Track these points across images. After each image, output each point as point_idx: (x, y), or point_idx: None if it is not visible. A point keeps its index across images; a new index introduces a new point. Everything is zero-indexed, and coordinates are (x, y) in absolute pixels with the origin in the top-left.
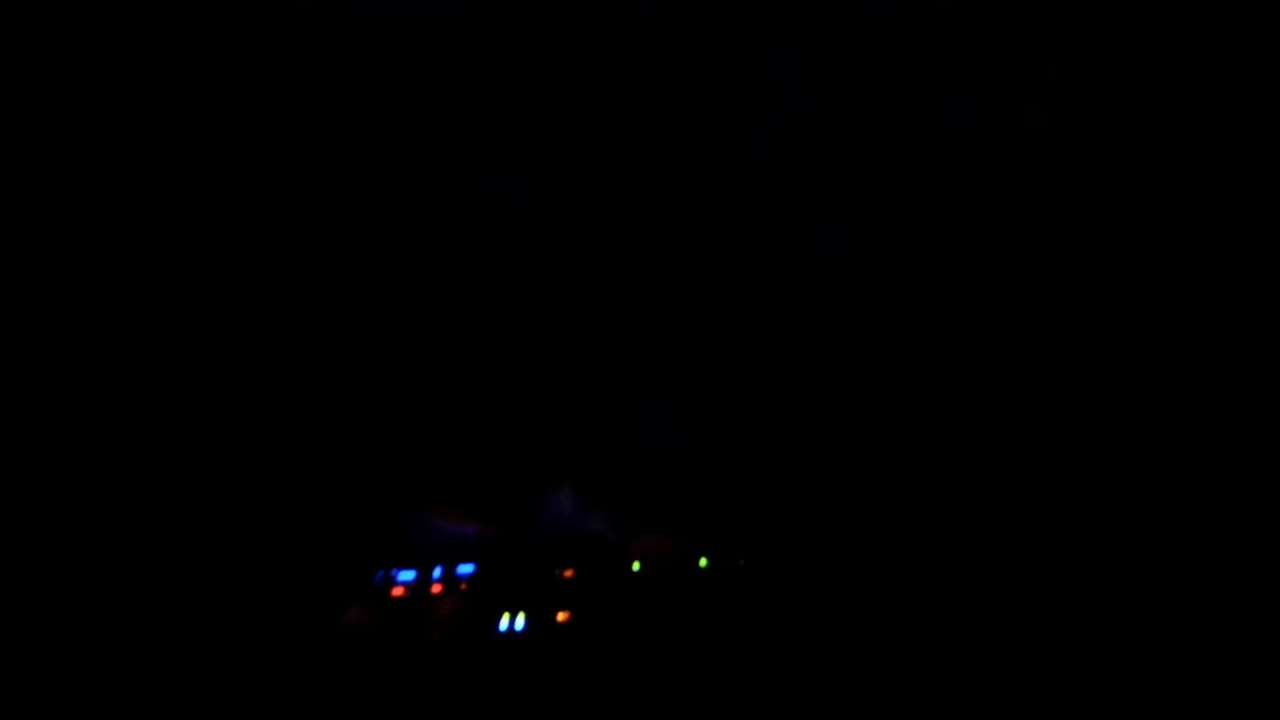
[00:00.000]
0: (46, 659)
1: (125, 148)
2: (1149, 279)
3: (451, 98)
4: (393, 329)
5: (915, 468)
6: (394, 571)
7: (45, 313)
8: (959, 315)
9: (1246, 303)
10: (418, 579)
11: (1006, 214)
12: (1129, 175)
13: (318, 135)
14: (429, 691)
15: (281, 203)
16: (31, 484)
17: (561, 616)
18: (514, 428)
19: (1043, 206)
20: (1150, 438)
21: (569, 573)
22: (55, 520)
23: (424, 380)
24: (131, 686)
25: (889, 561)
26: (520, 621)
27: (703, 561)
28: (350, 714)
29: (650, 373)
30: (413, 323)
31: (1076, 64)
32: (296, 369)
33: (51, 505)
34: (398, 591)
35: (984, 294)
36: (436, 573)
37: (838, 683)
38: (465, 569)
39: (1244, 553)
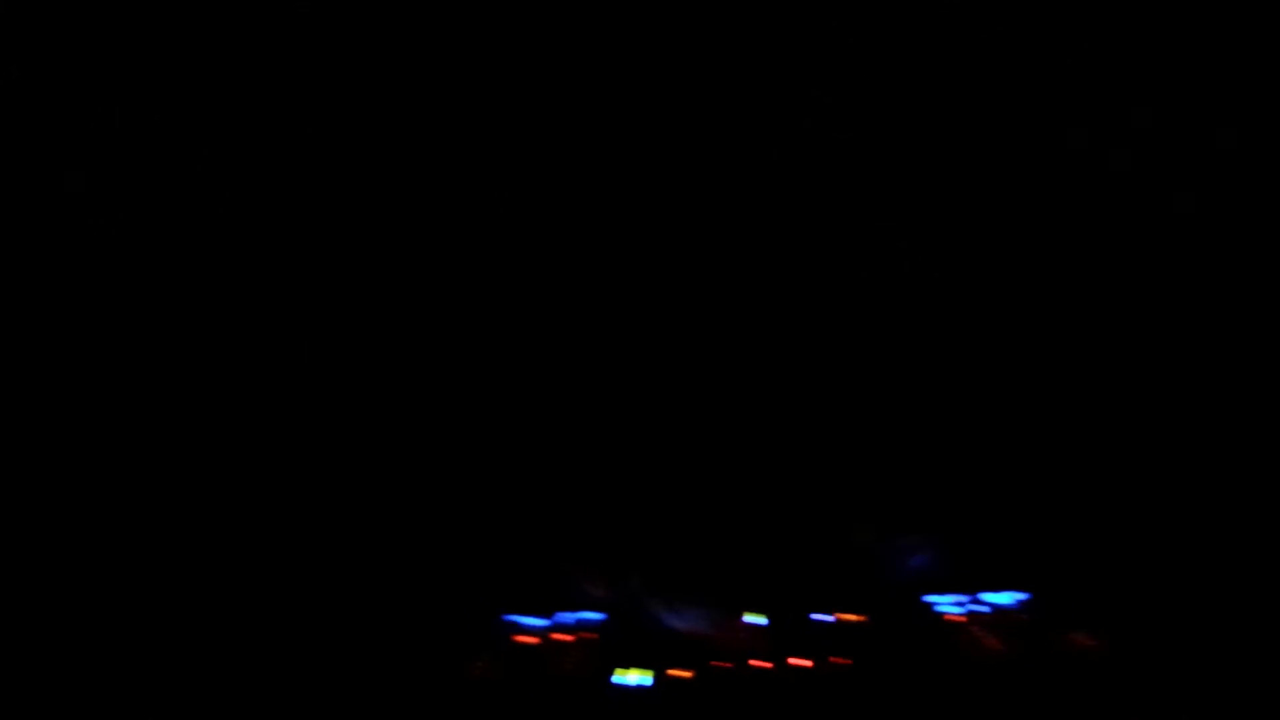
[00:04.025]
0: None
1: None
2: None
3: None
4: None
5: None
6: (520, 617)
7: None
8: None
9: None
10: (545, 626)
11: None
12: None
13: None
14: None
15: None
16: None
17: (682, 674)
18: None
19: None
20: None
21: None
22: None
23: (568, 437)
24: None
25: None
26: (643, 677)
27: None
28: None
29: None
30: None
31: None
32: (441, 424)
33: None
34: (524, 639)
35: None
36: (562, 620)
37: None
38: (591, 618)
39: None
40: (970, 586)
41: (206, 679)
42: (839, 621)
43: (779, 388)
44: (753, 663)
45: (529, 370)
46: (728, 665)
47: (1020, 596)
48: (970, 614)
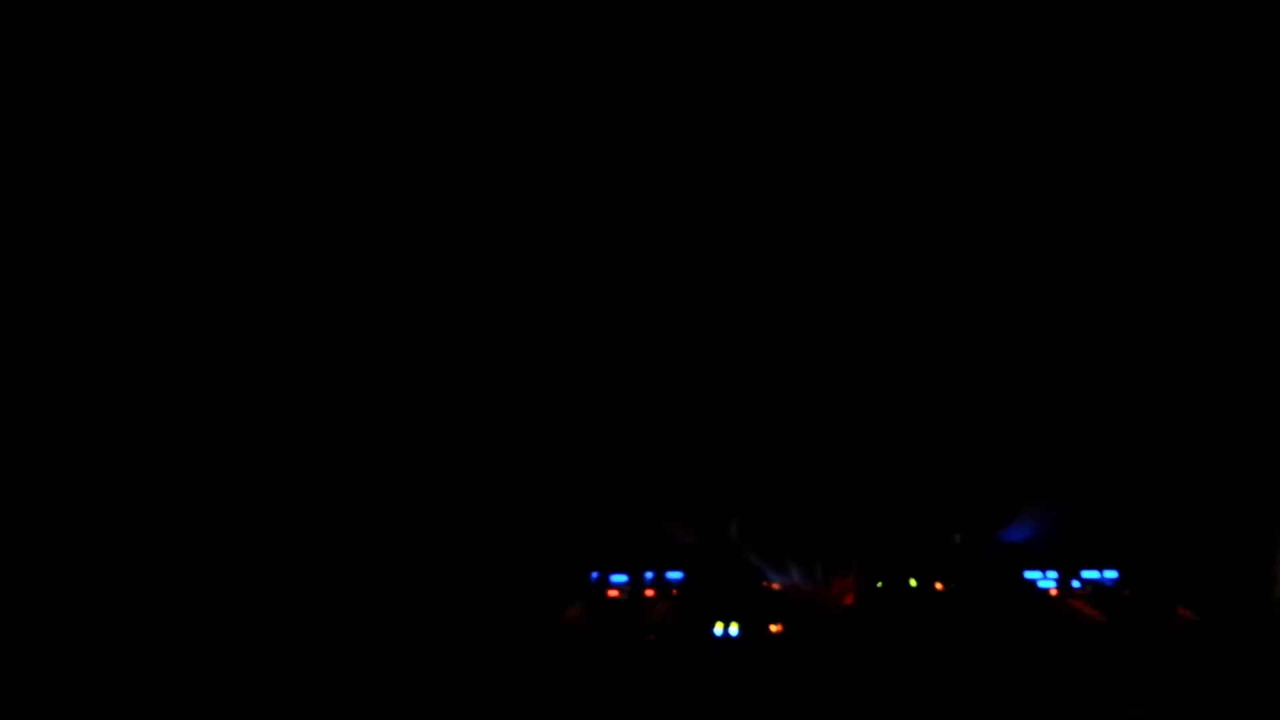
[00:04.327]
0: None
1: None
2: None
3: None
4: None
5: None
6: (607, 574)
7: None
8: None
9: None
10: (630, 582)
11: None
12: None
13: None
14: (647, 690)
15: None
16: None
17: (774, 628)
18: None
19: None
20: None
21: (776, 586)
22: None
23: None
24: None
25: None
26: (733, 629)
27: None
28: (574, 706)
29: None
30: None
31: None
32: (521, 375)
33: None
34: (613, 593)
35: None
36: (647, 577)
37: None
38: (674, 575)
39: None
40: (1067, 562)
41: (292, 635)
42: (933, 588)
43: (883, 362)
44: (845, 619)
45: (631, 319)
46: (818, 621)
47: (1115, 573)
48: (1067, 588)
